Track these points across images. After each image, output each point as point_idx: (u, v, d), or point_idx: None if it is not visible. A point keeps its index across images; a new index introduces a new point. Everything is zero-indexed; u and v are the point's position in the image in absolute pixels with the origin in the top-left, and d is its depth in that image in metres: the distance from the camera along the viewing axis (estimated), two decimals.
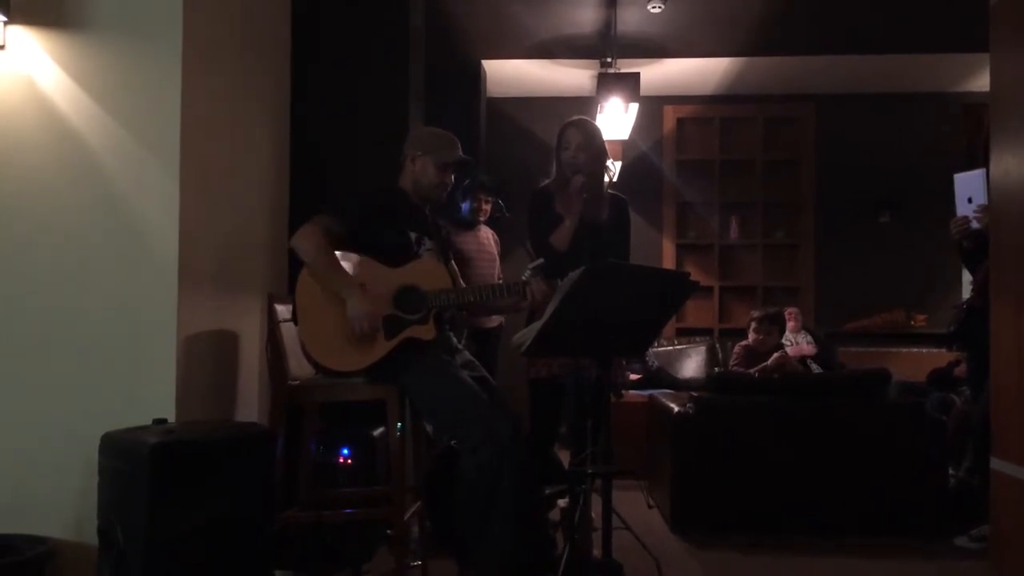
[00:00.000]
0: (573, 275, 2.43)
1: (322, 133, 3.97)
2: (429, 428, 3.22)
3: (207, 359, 3.03)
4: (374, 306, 2.81)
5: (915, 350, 6.91)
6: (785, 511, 4.06)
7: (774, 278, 7.55)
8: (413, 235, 3.03)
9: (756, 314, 5.81)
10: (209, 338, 3.05)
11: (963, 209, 3.64)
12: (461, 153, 3.14)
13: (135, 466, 2.31)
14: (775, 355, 5.45)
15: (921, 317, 7.14)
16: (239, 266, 3.35)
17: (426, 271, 2.94)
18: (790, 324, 6.26)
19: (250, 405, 3.39)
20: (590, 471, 2.84)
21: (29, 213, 2.81)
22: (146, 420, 2.57)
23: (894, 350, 6.88)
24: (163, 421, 2.58)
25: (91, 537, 2.48)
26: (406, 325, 2.86)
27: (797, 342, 6.21)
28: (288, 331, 3.05)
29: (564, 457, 3.68)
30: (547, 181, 3.60)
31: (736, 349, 5.85)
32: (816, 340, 6.32)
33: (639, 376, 6.32)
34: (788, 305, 6.71)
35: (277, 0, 3.78)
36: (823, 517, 4.05)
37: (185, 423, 2.71)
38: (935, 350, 6.62)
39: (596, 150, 3.50)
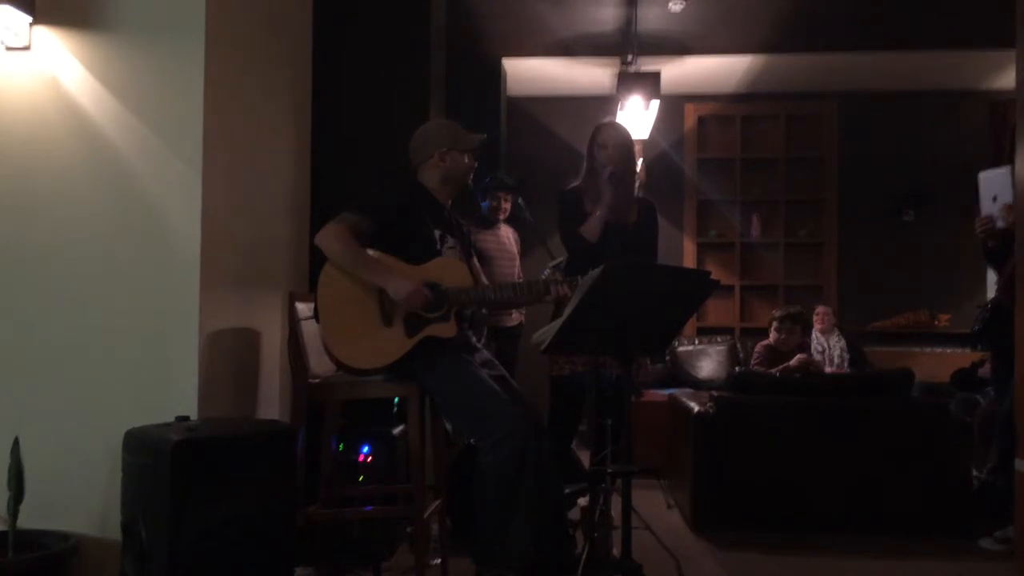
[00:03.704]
0: (593, 274, 2.43)
1: (343, 131, 3.98)
2: (449, 426, 3.23)
3: (229, 357, 3.05)
4: (413, 285, 2.81)
5: (939, 350, 6.85)
6: (807, 511, 4.04)
7: (796, 277, 7.49)
8: (437, 232, 3.04)
9: (778, 313, 5.76)
10: (231, 336, 3.07)
11: (988, 208, 3.60)
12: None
13: (158, 463, 2.33)
14: (798, 356, 5.42)
15: (945, 316, 7.07)
16: (261, 264, 3.37)
17: (447, 269, 2.95)
18: (818, 325, 6.14)
19: (272, 402, 3.41)
20: (610, 470, 2.84)
21: (53, 211, 2.84)
22: (169, 417, 2.59)
23: (917, 350, 6.82)
24: (186, 418, 2.61)
25: (115, 533, 2.50)
26: (427, 323, 2.86)
27: (830, 346, 6.07)
28: (309, 329, 3.06)
29: (584, 456, 3.68)
30: (575, 182, 3.64)
31: (757, 348, 5.82)
32: (850, 343, 6.17)
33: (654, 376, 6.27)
34: (813, 304, 6.64)
35: (299, 0, 3.80)
36: (845, 518, 4.02)
37: (207, 420, 2.73)
38: (959, 350, 6.55)
39: (630, 152, 3.59)
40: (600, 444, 3.05)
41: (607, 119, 3.68)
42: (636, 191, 3.66)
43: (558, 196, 3.66)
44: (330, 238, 2.87)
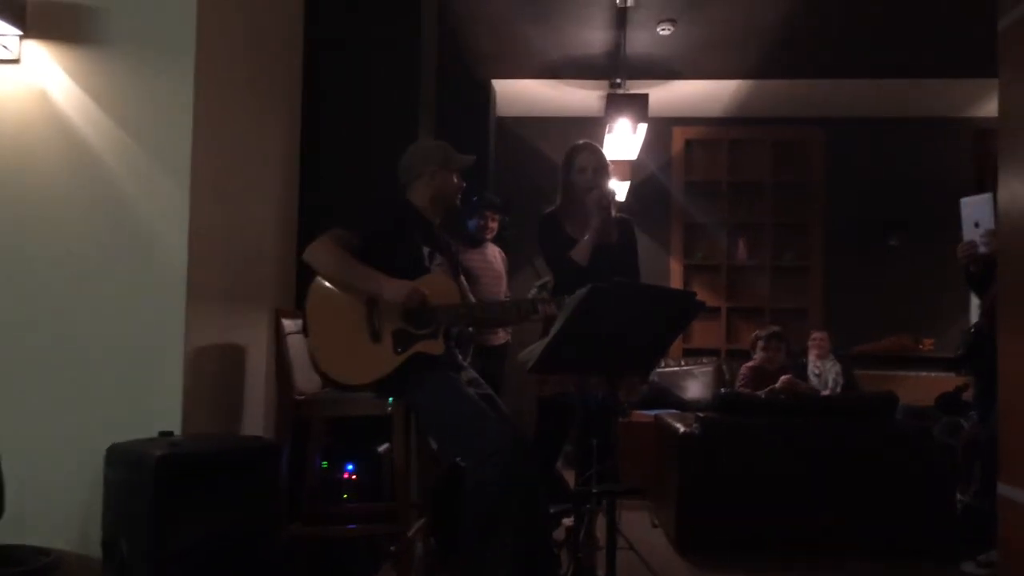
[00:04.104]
0: (580, 293, 2.44)
1: (332, 150, 3.99)
2: (434, 444, 3.23)
3: (214, 372, 3.04)
4: (409, 286, 2.83)
5: (923, 374, 6.88)
6: (790, 534, 4.04)
7: (782, 300, 7.53)
8: (426, 250, 3.05)
9: (762, 333, 5.80)
10: (217, 352, 3.06)
11: (970, 234, 3.63)
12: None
13: (140, 478, 2.31)
14: (783, 378, 5.44)
15: (929, 341, 7.11)
16: (247, 280, 3.36)
17: (435, 286, 2.95)
18: (815, 351, 6.16)
19: (256, 419, 3.39)
20: (595, 490, 2.84)
21: (41, 225, 2.83)
22: (152, 432, 2.58)
23: (901, 374, 6.85)
24: (169, 434, 2.59)
25: (96, 549, 2.48)
26: (416, 339, 2.87)
27: (825, 370, 6.09)
28: (295, 345, 3.06)
29: (569, 477, 3.67)
30: (552, 208, 3.65)
31: (743, 370, 5.84)
32: (844, 368, 6.19)
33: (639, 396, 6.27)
34: (799, 326, 6.65)
35: (289, 17, 3.83)
36: (829, 540, 4.02)
37: (191, 436, 2.71)
38: (943, 374, 6.59)
39: (607, 174, 3.60)
40: (585, 464, 3.05)
41: (581, 141, 3.66)
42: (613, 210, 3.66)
43: (539, 222, 3.66)
44: (319, 252, 2.88)
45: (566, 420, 3.54)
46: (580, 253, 3.45)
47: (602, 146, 6.00)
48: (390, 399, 2.91)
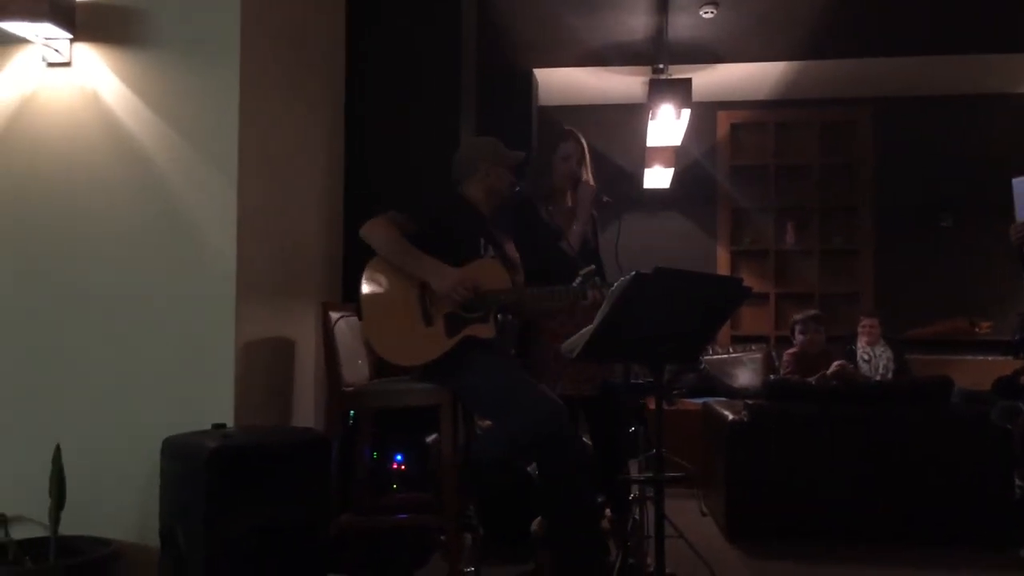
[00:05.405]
0: (624, 281, 2.43)
1: (375, 142, 4.02)
2: (479, 432, 3.25)
3: (264, 366, 3.09)
4: (455, 278, 2.86)
5: (980, 358, 6.72)
6: (843, 521, 3.99)
7: (831, 285, 7.42)
8: (481, 240, 3.11)
9: (800, 317, 5.74)
10: (266, 345, 3.11)
11: (1023, 213, 3.55)
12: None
13: (195, 470, 2.36)
14: (835, 363, 5.36)
15: (986, 324, 6.94)
16: (295, 274, 3.41)
17: (487, 271, 2.98)
18: (864, 338, 6.06)
19: (306, 411, 3.44)
20: (643, 478, 2.83)
21: (92, 222, 2.90)
22: (206, 425, 2.63)
23: (957, 358, 6.69)
24: (222, 426, 2.64)
25: (154, 539, 2.54)
26: (467, 323, 2.90)
27: (875, 355, 5.98)
28: (343, 338, 3.10)
29: None
30: (522, 191, 3.59)
31: (785, 358, 5.77)
32: (896, 353, 6.07)
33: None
34: (849, 312, 6.52)
35: (331, 13, 3.86)
36: (882, 527, 3.97)
37: (243, 428, 2.76)
38: (1000, 358, 6.43)
39: (588, 165, 3.54)
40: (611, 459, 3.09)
41: (567, 128, 3.60)
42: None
43: (516, 207, 3.58)
44: (377, 229, 2.93)
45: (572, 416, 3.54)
46: (571, 244, 3.42)
47: (647, 131, 6.00)
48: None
